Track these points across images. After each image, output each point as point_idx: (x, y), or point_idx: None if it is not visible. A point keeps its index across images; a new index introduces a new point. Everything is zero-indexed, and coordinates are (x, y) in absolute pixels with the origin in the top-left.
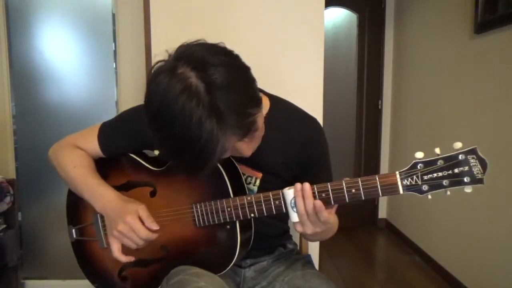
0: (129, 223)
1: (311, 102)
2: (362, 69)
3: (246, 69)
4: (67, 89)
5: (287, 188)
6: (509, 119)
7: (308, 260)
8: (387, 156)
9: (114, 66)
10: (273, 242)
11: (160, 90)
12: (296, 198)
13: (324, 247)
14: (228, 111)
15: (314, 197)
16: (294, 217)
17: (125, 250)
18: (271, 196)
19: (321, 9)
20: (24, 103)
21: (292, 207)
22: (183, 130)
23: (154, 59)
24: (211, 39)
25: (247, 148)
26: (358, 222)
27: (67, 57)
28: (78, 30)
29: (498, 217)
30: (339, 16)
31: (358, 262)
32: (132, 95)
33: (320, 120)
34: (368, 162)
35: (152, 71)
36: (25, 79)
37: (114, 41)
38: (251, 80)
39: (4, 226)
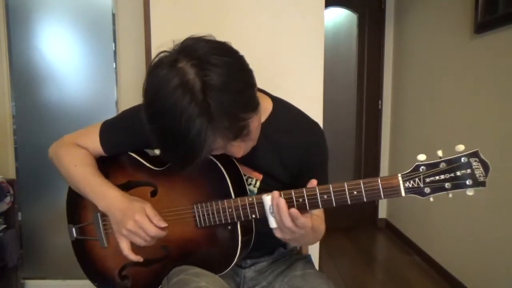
0: (138, 222)
1: (311, 102)
2: (362, 69)
3: (247, 72)
4: (67, 89)
5: (265, 194)
6: (509, 119)
7: (308, 260)
8: (387, 156)
9: (114, 66)
10: (274, 243)
11: (157, 81)
12: (273, 206)
13: (324, 247)
14: (219, 113)
15: (317, 198)
16: (272, 222)
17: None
18: None
19: (321, 9)
20: (24, 103)
21: (271, 213)
22: (173, 124)
23: (158, 50)
24: None
25: (238, 149)
26: (358, 222)
27: (67, 57)
28: (78, 30)
29: (498, 217)
30: (339, 16)
31: (358, 262)
32: (132, 95)
33: (320, 120)
34: (368, 162)
35: (154, 60)
36: (25, 79)
37: (114, 41)
38: (249, 84)
39: (4, 226)
